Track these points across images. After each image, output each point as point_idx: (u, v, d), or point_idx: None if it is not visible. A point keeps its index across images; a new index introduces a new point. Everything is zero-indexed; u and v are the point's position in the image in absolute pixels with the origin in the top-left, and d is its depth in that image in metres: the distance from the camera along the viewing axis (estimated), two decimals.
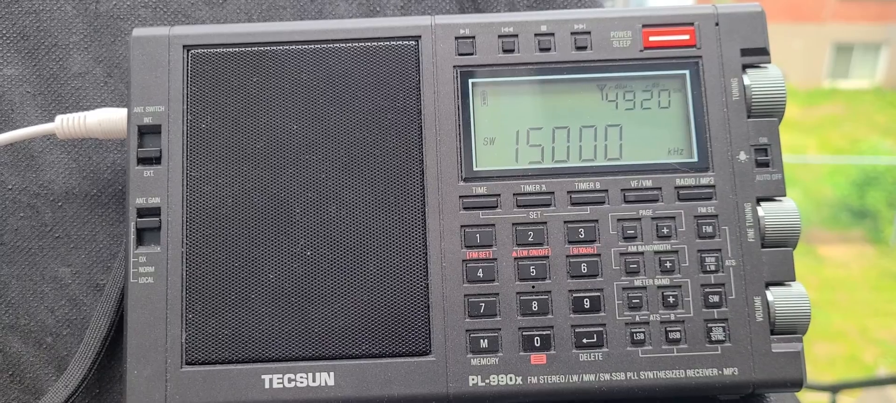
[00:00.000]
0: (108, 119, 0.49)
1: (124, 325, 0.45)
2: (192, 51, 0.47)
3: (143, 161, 0.46)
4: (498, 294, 0.45)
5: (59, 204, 0.53)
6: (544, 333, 0.44)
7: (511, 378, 0.44)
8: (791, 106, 0.47)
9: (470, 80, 0.47)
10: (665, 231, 0.45)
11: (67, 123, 0.49)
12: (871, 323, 4.53)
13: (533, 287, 0.45)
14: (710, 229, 0.45)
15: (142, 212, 0.45)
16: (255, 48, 0.47)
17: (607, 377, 0.44)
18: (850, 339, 4.40)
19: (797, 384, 0.44)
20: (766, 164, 0.46)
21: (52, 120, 0.53)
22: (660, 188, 0.46)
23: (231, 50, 0.47)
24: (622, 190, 0.46)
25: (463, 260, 0.45)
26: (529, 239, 0.45)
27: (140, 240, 0.45)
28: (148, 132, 0.46)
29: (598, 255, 0.45)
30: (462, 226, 0.45)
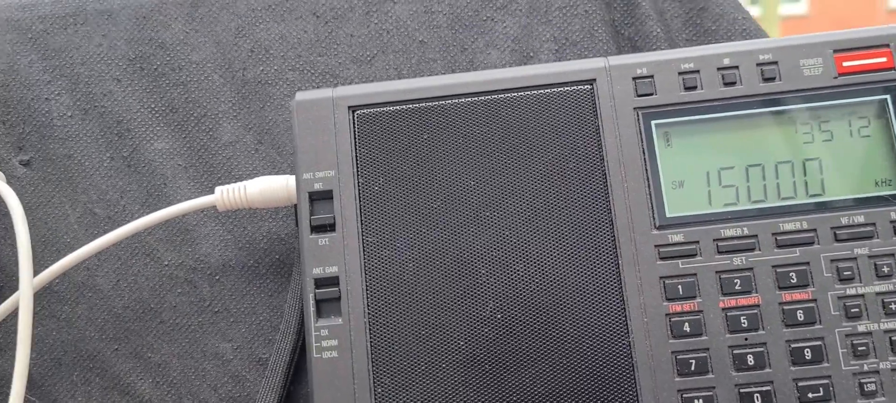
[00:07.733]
0: (269, 187, 0.47)
1: None
2: (358, 111, 0.45)
3: (316, 229, 0.44)
4: (708, 348, 0.41)
5: (217, 277, 0.51)
6: (764, 389, 0.41)
7: None
8: None
9: (653, 122, 0.44)
10: (885, 270, 0.41)
11: (228, 194, 0.48)
12: None
13: (746, 339, 0.41)
14: None
15: (320, 283, 0.43)
16: (423, 104, 0.45)
17: None
18: None
19: None
20: None
21: (205, 192, 0.52)
22: (874, 223, 0.42)
23: (398, 108, 0.45)
24: (832, 228, 0.42)
25: (666, 314, 0.42)
26: (736, 287, 0.42)
27: (319, 313, 0.43)
28: (318, 198, 0.45)
29: (814, 301, 0.41)
30: (661, 278, 0.42)
